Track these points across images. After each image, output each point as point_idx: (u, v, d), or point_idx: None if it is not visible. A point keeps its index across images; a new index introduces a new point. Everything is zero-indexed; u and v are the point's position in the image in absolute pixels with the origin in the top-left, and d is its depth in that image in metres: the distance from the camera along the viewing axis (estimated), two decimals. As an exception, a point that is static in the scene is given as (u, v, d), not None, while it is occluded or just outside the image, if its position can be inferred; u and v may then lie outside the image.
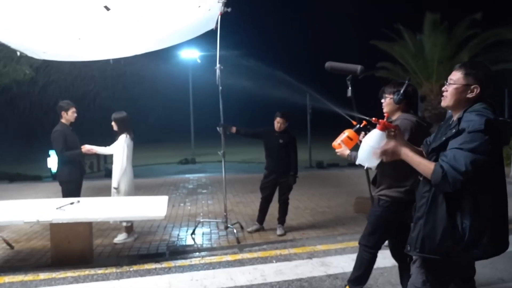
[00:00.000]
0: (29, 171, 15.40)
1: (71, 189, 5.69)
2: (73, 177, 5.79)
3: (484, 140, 2.20)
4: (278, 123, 6.12)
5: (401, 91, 3.18)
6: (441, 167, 2.26)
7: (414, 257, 2.61)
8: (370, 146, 2.60)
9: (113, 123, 5.85)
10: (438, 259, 2.41)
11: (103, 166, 17.09)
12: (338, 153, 3.35)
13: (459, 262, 2.47)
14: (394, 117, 3.42)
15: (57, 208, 4.76)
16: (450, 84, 2.46)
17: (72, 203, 4.99)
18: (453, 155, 2.24)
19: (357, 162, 2.74)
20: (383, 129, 2.59)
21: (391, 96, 3.39)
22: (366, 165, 2.67)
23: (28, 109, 18.48)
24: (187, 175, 13.95)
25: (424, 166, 2.36)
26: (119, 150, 5.74)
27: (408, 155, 2.43)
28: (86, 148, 5.87)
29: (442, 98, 2.54)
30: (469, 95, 2.41)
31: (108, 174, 15.85)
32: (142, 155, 17.86)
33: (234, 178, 12.14)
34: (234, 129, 6.14)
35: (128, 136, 5.82)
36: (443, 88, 2.54)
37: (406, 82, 3.08)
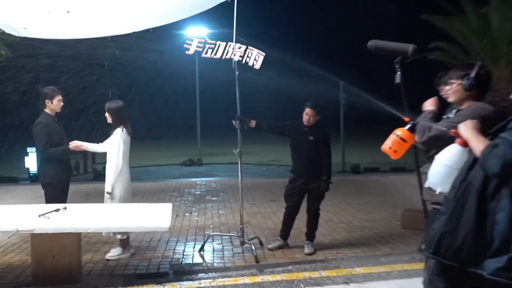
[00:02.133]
0: (2, 172, 15.73)
1: (56, 193, 5.75)
2: (59, 178, 5.87)
3: None
4: (307, 115, 6.10)
5: (472, 75, 3.11)
6: (497, 143, 2.27)
7: (429, 260, 2.61)
8: (447, 166, 2.52)
9: (106, 114, 5.91)
10: (456, 267, 2.38)
11: (91, 167, 17.36)
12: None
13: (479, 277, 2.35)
14: (463, 107, 3.32)
15: (39, 216, 4.82)
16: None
17: (57, 210, 5.05)
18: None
19: (427, 185, 2.65)
20: (464, 144, 2.48)
21: (459, 81, 3.28)
22: (438, 190, 2.60)
23: (1, 97, 18.83)
24: (193, 179, 14.13)
25: (478, 142, 2.39)
26: (114, 146, 5.79)
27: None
28: (75, 144, 5.94)
29: None
30: None
31: (97, 176, 16.08)
32: (139, 154, 18.02)
33: (251, 183, 12.24)
34: (253, 123, 6.17)
35: (124, 130, 5.86)
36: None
37: (478, 63, 3.00)
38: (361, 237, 6.88)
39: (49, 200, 5.76)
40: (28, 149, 14.54)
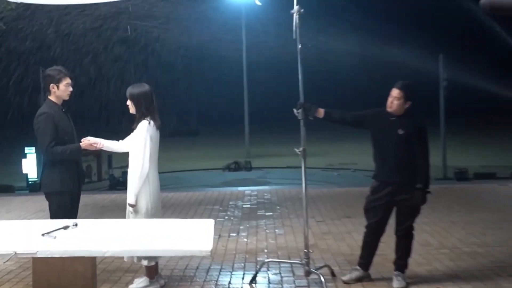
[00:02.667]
0: None
1: (64, 206, 5.91)
2: (67, 186, 5.98)
3: None
4: (391, 98, 6.03)
5: None
6: None
7: None
8: None
9: (128, 103, 6.00)
10: None
11: (107, 173, 17.76)
12: None
13: None
14: None
15: (43, 235, 4.91)
16: None
17: (65, 228, 5.13)
18: None
19: None
20: None
21: None
22: None
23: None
24: (240, 188, 14.19)
25: None
26: (139, 145, 5.85)
27: None
28: (88, 141, 6.06)
29: None
30: None
31: (114, 184, 16.45)
32: (169, 155, 18.36)
33: (318, 193, 12.21)
34: (321, 112, 6.18)
35: (152, 123, 5.93)
36: None
37: None
38: (471, 268, 6.75)
39: (55, 214, 5.89)
40: (26, 150, 15.00)
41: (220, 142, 31.43)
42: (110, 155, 17.15)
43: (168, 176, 16.64)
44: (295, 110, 6.10)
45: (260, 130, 26.88)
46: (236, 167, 21.42)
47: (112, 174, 17.08)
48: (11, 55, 17.73)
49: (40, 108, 6.07)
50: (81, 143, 6.06)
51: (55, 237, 4.84)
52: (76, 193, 6.14)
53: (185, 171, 20.88)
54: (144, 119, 5.92)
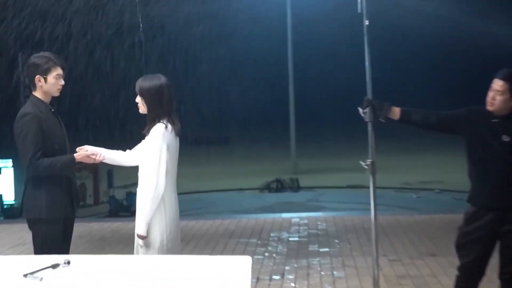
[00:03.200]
0: None
1: (53, 237, 5.97)
2: (58, 211, 6.04)
3: None
4: (493, 92, 5.97)
5: None
6: None
7: None
8: None
9: (138, 99, 6.00)
10: None
11: (106, 194, 17.84)
12: None
13: None
14: None
15: (25, 276, 4.94)
16: None
17: (55, 266, 5.16)
18: None
19: None
20: None
21: None
22: None
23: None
24: (284, 215, 14.09)
25: None
26: (153, 156, 5.85)
27: None
28: (86, 151, 6.11)
29: None
30: None
31: (116, 210, 16.44)
32: (190, 170, 18.39)
33: (390, 222, 12.16)
34: (397, 112, 6.16)
35: (169, 127, 5.93)
36: None
37: None
38: None
39: (40, 248, 5.94)
40: (0, 163, 15.06)
41: (257, 153, 31.26)
42: (111, 170, 17.12)
43: (188, 199, 16.62)
44: (360, 110, 6.12)
45: (310, 138, 26.79)
46: (279, 186, 21.35)
47: (113, 196, 17.16)
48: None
49: (22, 107, 6.14)
50: (75, 154, 6.10)
51: (41, 279, 4.85)
52: (69, 220, 6.21)
53: (211, 192, 20.86)
54: (159, 122, 5.91)
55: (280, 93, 28.06)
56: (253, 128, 39.09)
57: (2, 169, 15.23)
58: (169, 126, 5.89)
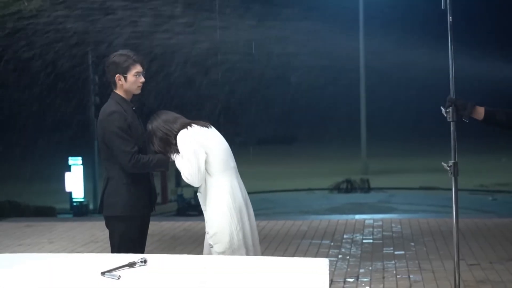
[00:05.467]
0: (31, 198, 16.83)
1: (130, 236, 6.29)
2: (137, 210, 6.39)
3: None
4: None
5: None
6: None
7: None
8: None
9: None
10: None
11: (174, 193, 17.98)
12: None
13: None
14: None
15: (103, 274, 4.99)
16: None
17: (132, 265, 5.18)
18: None
19: None
20: None
21: None
22: None
23: (31, 69, 20.30)
24: (358, 217, 14.21)
25: None
26: (185, 151, 6.24)
27: None
28: None
29: None
30: None
31: (184, 208, 16.55)
32: (258, 170, 18.52)
33: (468, 225, 12.10)
34: (481, 112, 6.06)
35: (189, 127, 6.33)
36: None
37: None
38: None
39: (118, 246, 6.22)
40: (71, 161, 15.13)
41: (326, 152, 31.01)
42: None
43: (257, 198, 16.77)
44: (443, 109, 6.09)
45: (381, 137, 26.53)
46: (349, 187, 21.26)
47: (181, 195, 17.35)
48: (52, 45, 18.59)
49: (104, 105, 6.45)
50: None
51: (119, 277, 4.99)
52: (146, 219, 6.52)
53: (279, 192, 20.81)
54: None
55: (351, 90, 27.89)
56: (322, 127, 38.62)
57: (72, 167, 15.45)
58: (189, 127, 6.31)
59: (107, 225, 6.47)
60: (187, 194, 17.23)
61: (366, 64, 27.45)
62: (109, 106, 6.38)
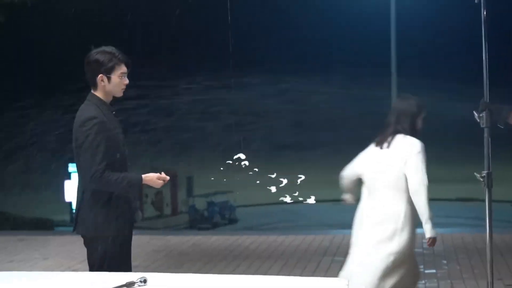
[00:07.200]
0: (29, 211, 16.84)
1: (109, 254, 6.05)
2: (115, 228, 6.07)
3: None
4: None
5: None
6: None
7: None
8: None
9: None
10: None
11: (185, 203, 17.95)
12: None
13: None
14: None
15: None
16: None
17: (130, 285, 5.09)
18: None
19: None
20: None
21: None
22: None
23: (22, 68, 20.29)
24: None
25: None
26: (420, 165, 6.78)
27: None
28: (166, 177, 6.20)
29: None
30: None
31: (196, 220, 16.52)
32: (275, 178, 18.37)
33: (506, 241, 11.93)
34: None
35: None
36: None
37: None
38: None
39: (98, 266, 6.03)
40: (71, 167, 15.16)
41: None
42: (191, 176, 17.23)
43: (276, 210, 16.61)
44: (475, 114, 6.01)
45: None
46: None
47: (194, 206, 17.32)
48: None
49: (82, 109, 6.10)
50: (144, 175, 6.13)
51: None
52: (128, 237, 6.28)
53: (301, 203, 20.78)
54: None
55: (381, 89, 27.89)
56: (347, 134, 38.86)
57: (72, 174, 15.36)
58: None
59: (85, 245, 6.20)
60: (199, 205, 17.19)
61: (398, 65, 27.51)
62: (87, 110, 6.03)
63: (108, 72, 6.02)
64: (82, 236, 6.15)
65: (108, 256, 6.01)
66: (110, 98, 6.16)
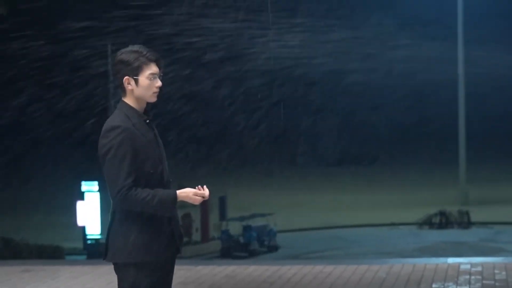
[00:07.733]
0: (34, 235, 16.22)
1: (144, 286, 5.70)
2: (153, 253, 5.71)
3: None
4: None
5: None
6: None
7: None
8: None
9: None
10: None
11: (217, 228, 17.42)
12: None
13: None
14: None
15: None
16: None
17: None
18: None
19: None
20: None
21: None
22: None
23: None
24: (450, 259, 13.41)
25: None
26: None
27: None
28: (204, 194, 5.78)
29: None
30: None
31: (230, 248, 15.88)
32: (328, 198, 17.64)
33: None
34: None
35: None
36: None
37: None
38: None
39: None
40: (84, 186, 14.73)
41: (415, 176, 30.66)
42: (223, 196, 16.66)
43: (324, 236, 16.08)
44: None
45: (484, 159, 25.86)
46: (443, 221, 20.76)
47: (227, 231, 16.65)
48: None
49: (110, 117, 5.80)
50: (179, 191, 5.75)
51: None
52: (168, 265, 5.93)
53: (354, 227, 20.26)
54: None
55: (449, 105, 27.37)
56: (408, 146, 38.32)
57: (86, 194, 14.89)
58: None
59: (116, 272, 5.84)
60: (234, 229, 16.53)
61: (466, 72, 27.08)
62: (112, 119, 5.72)
63: (134, 74, 5.76)
64: (113, 264, 5.86)
65: (142, 286, 5.72)
66: (143, 105, 5.89)
